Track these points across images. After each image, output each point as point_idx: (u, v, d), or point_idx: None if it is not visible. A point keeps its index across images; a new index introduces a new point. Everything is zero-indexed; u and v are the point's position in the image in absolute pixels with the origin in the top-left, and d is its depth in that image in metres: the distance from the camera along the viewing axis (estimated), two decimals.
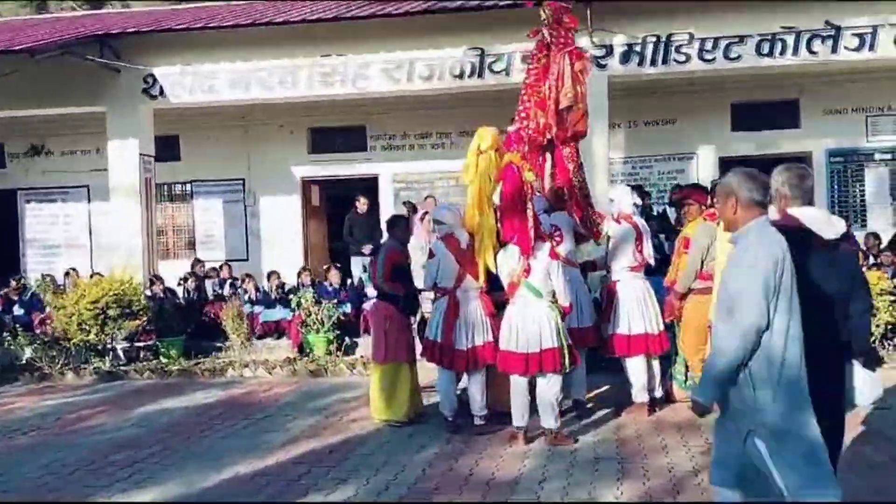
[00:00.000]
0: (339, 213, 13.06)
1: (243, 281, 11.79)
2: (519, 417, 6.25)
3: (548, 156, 7.50)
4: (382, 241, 9.68)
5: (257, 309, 11.37)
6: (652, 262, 7.27)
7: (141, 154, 11.96)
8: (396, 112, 13.34)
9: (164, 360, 10.54)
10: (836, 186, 12.44)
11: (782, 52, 10.43)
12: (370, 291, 11.50)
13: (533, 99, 7.36)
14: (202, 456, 6.35)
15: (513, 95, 11.72)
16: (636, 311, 6.94)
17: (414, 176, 13.67)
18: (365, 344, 10.72)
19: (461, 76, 11.19)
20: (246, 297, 11.60)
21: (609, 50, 10.79)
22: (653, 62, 10.73)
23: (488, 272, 6.72)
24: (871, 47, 10.24)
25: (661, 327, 7.04)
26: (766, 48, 10.45)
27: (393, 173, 13.70)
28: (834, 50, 10.31)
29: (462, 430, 6.69)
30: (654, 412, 7.02)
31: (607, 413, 7.13)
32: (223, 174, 14.05)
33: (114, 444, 6.78)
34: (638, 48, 10.72)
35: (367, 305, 11.27)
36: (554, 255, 6.21)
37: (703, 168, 12.55)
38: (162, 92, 11.82)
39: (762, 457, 3.37)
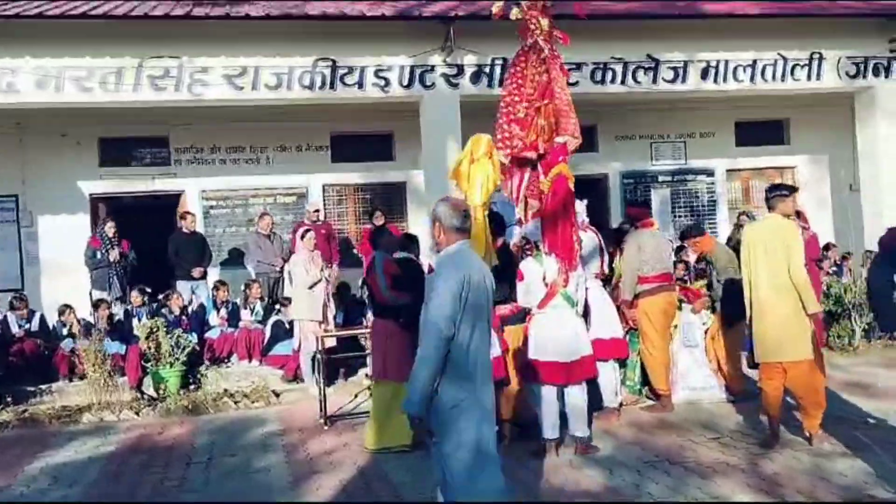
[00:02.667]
0: (134, 234, 11.57)
1: (61, 313, 10.07)
2: (550, 428, 6.16)
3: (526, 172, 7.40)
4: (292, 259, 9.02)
5: (85, 343, 9.76)
6: (607, 270, 7.60)
7: None
8: (203, 123, 12.29)
9: None
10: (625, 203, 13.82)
11: (612, 80, 11.45)
12: (213, 319, 10.58)
13: (511, 118, 7.21)
14: None
15: (343, 110, 11.71)
16: (604, 317, 7.19)
17: (225, 192, 12.68)
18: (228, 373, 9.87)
19: (311, 87, 10.68)
20: (65, 331, 9.94)
21: (460, 69, 11.01)
22: (500, 83, 11.12)
23: None
24: (684, 79, 11.62)
25: (622, 333, 7.38)
26: (598, 76, 11.39)
27: (201, 189, 12.58)
28: (654, 80, 11.53)
29: None
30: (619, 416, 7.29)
31: None
32: None
33: None
34: (487, 69, 11.07)
35: (211, 334, 10.36)
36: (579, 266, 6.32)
37: None
38: None
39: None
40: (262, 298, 10.70)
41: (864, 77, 12.15)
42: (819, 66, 11.93)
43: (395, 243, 7.15)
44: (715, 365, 7.87)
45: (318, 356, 8.27)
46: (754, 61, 11.79)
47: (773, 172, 14.30)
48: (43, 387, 9.50)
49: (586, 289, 6.59)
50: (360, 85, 10.81)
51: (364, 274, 7.43)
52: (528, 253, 7.10)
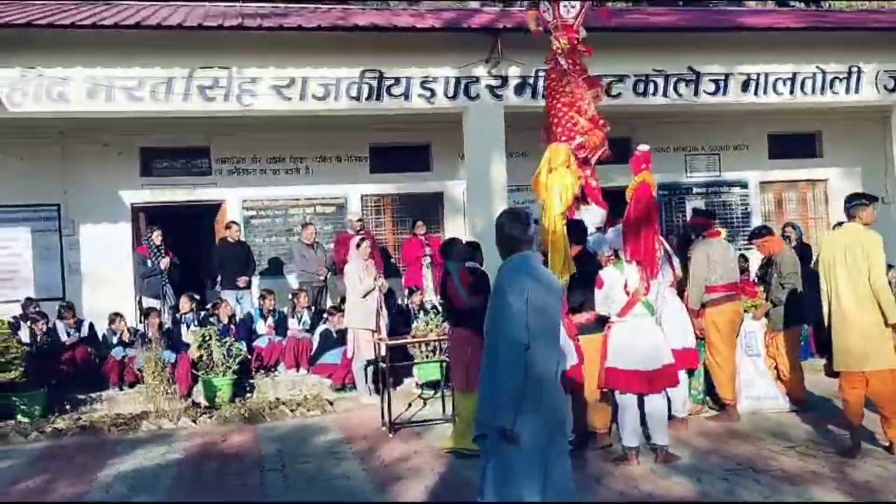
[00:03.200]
0: (175, 244, 11.63)
1: (112, 322, 10.11)
2: (631, 435, 6.18)
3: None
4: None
5: (131, 352, 9.81)
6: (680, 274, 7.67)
7: None
8: (242, 133, 12.37)
9: (23, 419, 8.74)
10: (663, 215, 13.88)
11: (654, 93, 11.53)
12: (260, 328, 10.63)
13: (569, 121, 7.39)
14: None
15: (382, 121, 11.76)
16: (677, 326, 7.18)
17: (266, 202, 12.74)
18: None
19: (358, 98, 10.75)
20: (115, 339, 9.97)
21: (504, 81, 11.09)
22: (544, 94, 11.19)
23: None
24: (725, 92, 11.70)
25: (694, 342, 7.40)
26: (640, 87, 11.48)
27: (242, 199, 12.64)
28: (696, 93, 11.62)
29: None
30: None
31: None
32: (31, 198, 11.91)
33: None
34: (531, 80, 11.14)
35: (259, 343, 10.41)
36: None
37: None
38: None
39: None
40: (309, 307, 10.74)
41: None
42: (858, 79, 11.98)
43: (466, 252, 7.19)
44: (774, 374, 7.91)
45: (380, 365, 8.31)
46: (794, 74, 11.83)
47: (805, 185, 14.42)
48: (93, 395, 9.55)
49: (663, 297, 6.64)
50: (406, 96, 10.87)
51: (437, 285, 7.48)
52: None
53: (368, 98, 10.77)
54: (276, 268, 12.48)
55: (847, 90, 12.02)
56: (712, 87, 11.67)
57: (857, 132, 13.90)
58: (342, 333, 9.98)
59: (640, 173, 6.68)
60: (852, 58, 11.96)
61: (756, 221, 14.08)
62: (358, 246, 9.44)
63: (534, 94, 11.12)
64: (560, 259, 6.59)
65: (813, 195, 14.59)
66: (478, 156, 11.14)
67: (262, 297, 10.79)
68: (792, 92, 11.88)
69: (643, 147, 6.78)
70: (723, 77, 11.68)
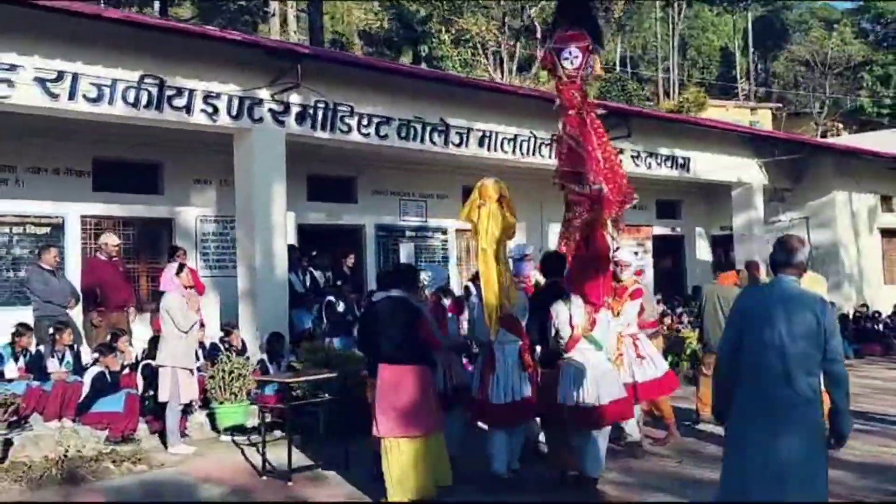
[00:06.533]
0: None
1: None
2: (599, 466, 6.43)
3: None
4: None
5: None
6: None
7: None
8: None
9: None
10: (381, 255, 14.32)
11: (414, 138, 12.03)
12: (9, 370, 8.73)
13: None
14: None
15: (109, 131, 10.32)
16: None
17: None
18: None
19: (136, 105, 9.41)
20: None
21: (287, 107, 10.65)
22: (322, 127, 11.02)
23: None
24: (467, 144, 12.67)
25: None
26: (403, 132, 11.91)
27: None
28: (445, 143, 12.40)
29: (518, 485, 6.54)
30: None
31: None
32: None
33: None
34: (311, 111, 10.88)
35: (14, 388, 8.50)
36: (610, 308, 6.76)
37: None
38: None
39: None
40: (71, 346, 8.97)
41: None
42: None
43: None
44: None
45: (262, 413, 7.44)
46: (515, 136, 13.32)
47: None
48: None
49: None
50: (188, 109, 9.85)
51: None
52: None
53: (147, 106, 9.52)
54: None
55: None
56: (457, 139, 12.59)
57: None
58: (115, 376, 8.60)
59: (594, 212, 6.73)
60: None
61: (453, 264, 15.31)
62: (178, 273, 8.27)
63: (313, 126, 10.90)
64: (493, 294, 6.63)
65: None
66: (253, 183, 10.49)
67: (19, 333, 8.72)
68: (514, 152, 13.33)
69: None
70: (465, 131, 12.66)
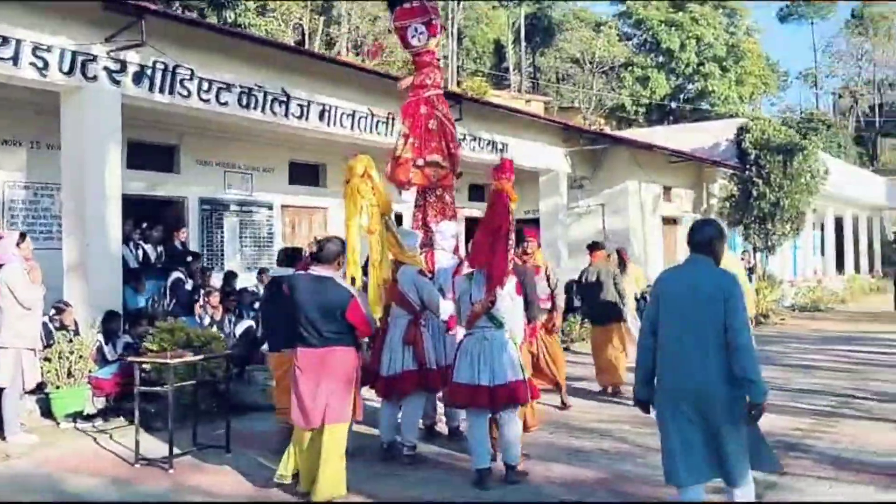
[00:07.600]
0: None
1: None
2: (483, 457, 6.14)
3: None
4: None
5: None
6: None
7: None
8: None
9: None
10: (204, 230, 13.49)
11: (255, 107, 11.43)
12: None
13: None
14: None
15: None
16: None
17: None
18: None
19: None
20: None
21: (123, 66, 9.72)
22: (161, 89, 10.17)
23: None
24: (307, 117, 12.23)
25: None
26: (244, 100, 11.26)
27: None
28: (286, 114, 11.88)
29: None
30: None
31: None
32: None
33: None
34: (149, 71, 10.00)
35: None
36: (519, 288, 6.50)
37: None
38: None
39: None
40: None
41: None
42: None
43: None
44: None
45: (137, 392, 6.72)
46: (353, 112, 13.06)
47: (312, 210, 15.61)
48: None
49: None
50: (15, 61, 8.70)
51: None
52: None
53: None
54: None
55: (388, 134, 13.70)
56: (298, 112, 12.12)
57: None
58: None
59: (499, 181, 6.44)
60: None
61: (278, 242, 14.75)
62: (19, 244, 7.30)
63: (150, 87, 10.04)
64: (376, 268, 6.52)
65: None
66: (84, 147, 9.49)
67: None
68: (352, 127, 13.07)
69: (507, 156, 7.07)
70: (306, 103, 12.22)
